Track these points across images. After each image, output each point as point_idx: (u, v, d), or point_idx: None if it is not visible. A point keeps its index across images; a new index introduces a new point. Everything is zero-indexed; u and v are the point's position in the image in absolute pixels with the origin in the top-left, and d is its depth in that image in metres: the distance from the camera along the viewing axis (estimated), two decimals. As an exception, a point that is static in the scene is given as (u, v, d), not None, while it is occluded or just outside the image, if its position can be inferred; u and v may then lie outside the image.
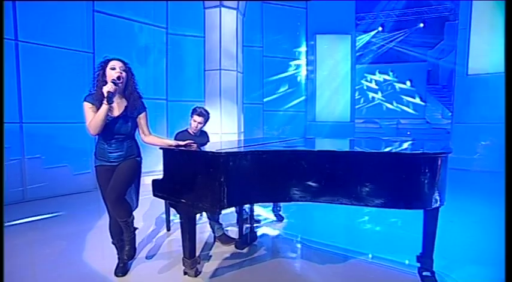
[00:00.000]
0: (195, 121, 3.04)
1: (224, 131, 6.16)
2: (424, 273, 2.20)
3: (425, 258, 2.19)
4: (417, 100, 9.98)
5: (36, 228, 3.41)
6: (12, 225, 3.42)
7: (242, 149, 2.21)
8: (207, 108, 3.19)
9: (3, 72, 2.96)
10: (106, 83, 2.07)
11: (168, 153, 2.21)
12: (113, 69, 2.10)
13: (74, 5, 4.88)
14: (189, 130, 3.10)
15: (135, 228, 2.29)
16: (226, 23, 6.11)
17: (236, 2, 6.12)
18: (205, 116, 3.06)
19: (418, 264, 2.26)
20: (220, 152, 1.88)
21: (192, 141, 2.41)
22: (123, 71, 2.13)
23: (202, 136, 3.17)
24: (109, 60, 2.13)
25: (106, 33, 5.24)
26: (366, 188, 1.76)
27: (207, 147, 2.46)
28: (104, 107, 2.02)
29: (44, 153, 4.65)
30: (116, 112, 2.15)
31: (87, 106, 2.10)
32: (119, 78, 2.07)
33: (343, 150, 2.00)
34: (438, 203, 1.84)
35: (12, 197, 4.23)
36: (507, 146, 1.78)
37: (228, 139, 6.02)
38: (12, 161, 4.32)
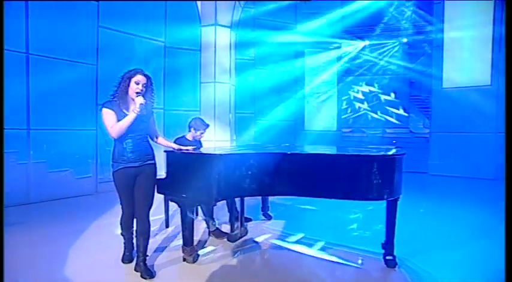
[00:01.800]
0: (202, 133, 3.47)
1: (218, 139, 6.57)
2: (387, 258, 2.60)
3: (388, 244, 2.60)
4: (401, 111, 10.52)
5: (41, 227, 3.68)
6: (19, 224, 3.69)
7: (233, 152, 2.59)
8: (202, 116, 3.62)
9: (3, 77, 3.17)
10: (127, 91, 2.33)
11: (171, 156, 2.60)
12: (137, 84, 2.33)
13: (81, 20, 5.27)
14: (188, 137, 3.50)
15: (147, 255, 2.48)
16: (220, 40, 6.63)
17: (230, 20, 6.64)
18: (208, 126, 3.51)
19: (383, 251, 2.66)
20: (215, 153, 2.27)
21: (191, 147, 2.79)
22: (145, 86, 2.37)
23: (197, 143, 3.58)
24: (135, 73, 2.35)
25: (109, 47, 5.64)
26: (333, 183, 2.16)
27: (203, 150, 2.85)
28: (133, 115, 2.27)
29: (49, 158, 4.95)
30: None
31: (108, 112, 2.31)
32: (139, 92, 2.32)
33: (315, 153, 2.42)
34: (391, 195, 2.26)
35: (17, 199, 4.50)
36: (507, 150, 1.79)
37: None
38: (19, 164, 4.62)
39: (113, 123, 2.30)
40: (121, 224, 2.61)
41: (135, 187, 2.42)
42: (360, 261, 2.72)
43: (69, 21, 5.09)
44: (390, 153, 2.39)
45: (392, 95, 10.19)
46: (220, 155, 2.27)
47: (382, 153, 2.31)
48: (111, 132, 2.31)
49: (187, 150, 2.68)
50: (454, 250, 2.99)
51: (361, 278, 2.49)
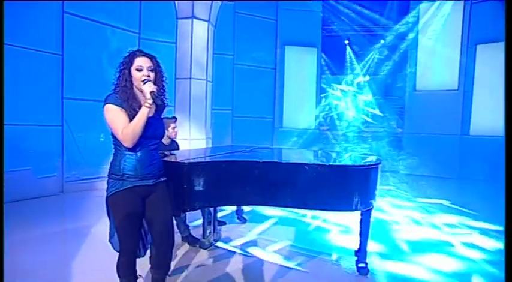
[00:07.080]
0: (173, 128, 3.16)
1: (193, 137, 6.38)
2: (359, 265, 2.60)
3: (360, 252, 2.59)
4: (376, 111, 10.70)
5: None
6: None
7: (203, 159, 2.45)
8: (177, 114, 3.39)
9: (3, 75, 2.85)
10: (132, 84, 1.71)
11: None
12: (140, 70, 1.71)
13: (42, 5, 4.83)
14: (163, 140, 3.25)
15: None
16: (197, 34, 6.37)
17: (208, 14, 6.39)
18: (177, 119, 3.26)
19: (356, 258, 2.65)
20: (184, 162, 2.13)
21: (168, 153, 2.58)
22: (151, 70, 1.73)
23: (172, 144, 3.36)
24: (133, 58, 1.72)
25: (76, 35, 5.23)
26: (308, 193, 2.10)
27: (172, 158, 2.67)
28: (146, 110, 1.64)
29: (7, 156, 4.56)
30: (150, 113, 1.70)
31: (115, 109, 1.65)
32: (146, 79, 1.69)
33: (290, 162, 2.34)
34: (364, 206, 2.23)
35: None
36: (507, 150, 1.73)
37: (197, 144, 6.26)
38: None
39: (123, 126, 1.63)
40: (121, 268, 1.77)
41: (147, 213, 1.79)
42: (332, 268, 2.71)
43: (29, 4, 4.65)
44: (366, 162, 2.36)
45: (369, 95, 10.39)
46: (189, 163, 2.13)
47: (357, 163, 2.27)
48: (124, 139, 1.63)
49: (165, 154, 2.46)
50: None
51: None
